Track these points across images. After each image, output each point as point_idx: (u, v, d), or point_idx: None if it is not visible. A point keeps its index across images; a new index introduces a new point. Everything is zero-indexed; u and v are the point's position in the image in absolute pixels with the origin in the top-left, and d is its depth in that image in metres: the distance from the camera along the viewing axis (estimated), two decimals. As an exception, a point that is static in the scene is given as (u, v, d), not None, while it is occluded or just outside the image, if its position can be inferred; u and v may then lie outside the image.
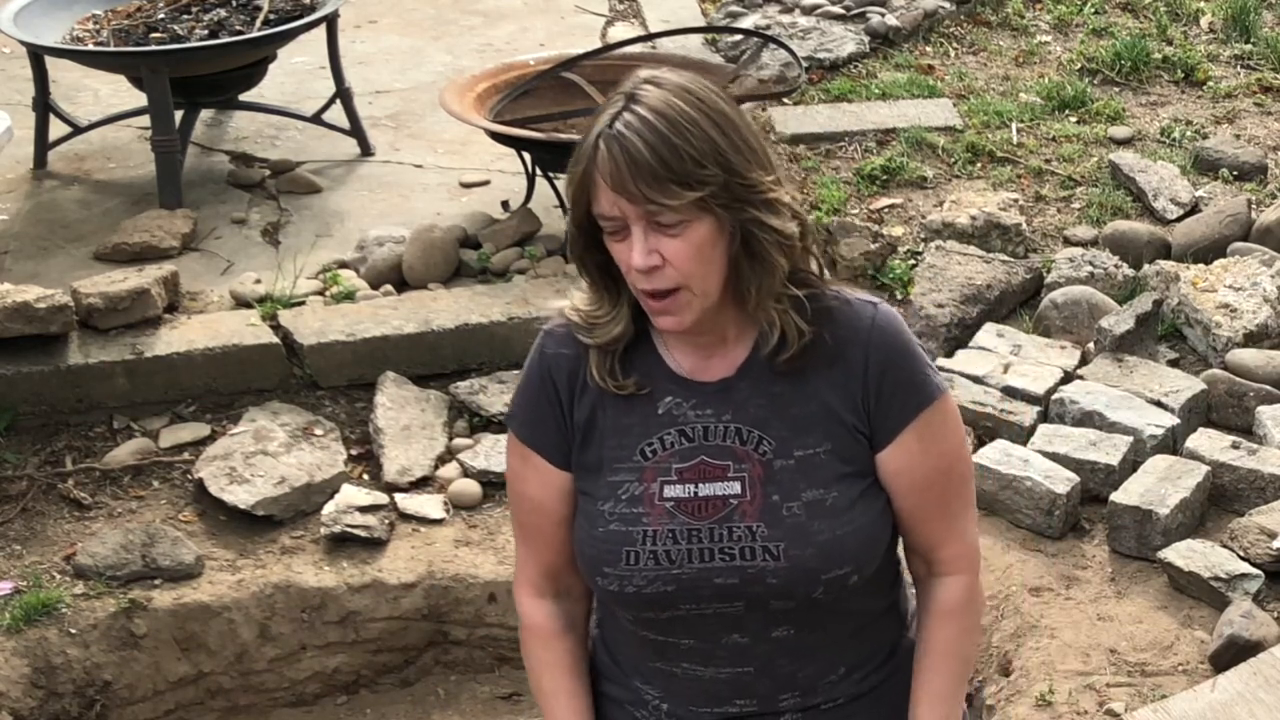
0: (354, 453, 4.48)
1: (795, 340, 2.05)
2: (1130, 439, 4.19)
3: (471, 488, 4.35)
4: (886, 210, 5.46)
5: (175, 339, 4.61)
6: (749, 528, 2.06)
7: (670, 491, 2.08)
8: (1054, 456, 4.13)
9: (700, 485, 2.08)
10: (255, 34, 5.53)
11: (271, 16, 5.70)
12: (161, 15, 5.78)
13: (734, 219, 2.00)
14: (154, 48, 5.49)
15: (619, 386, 2.10)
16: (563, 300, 2.17)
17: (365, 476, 4.42)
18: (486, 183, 5.61)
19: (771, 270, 2.02)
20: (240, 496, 4.25)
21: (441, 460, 4.45)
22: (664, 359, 2.12)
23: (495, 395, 4.58)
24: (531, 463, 2.17)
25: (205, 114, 5.95)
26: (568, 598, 2.24)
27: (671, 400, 2.10)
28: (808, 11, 6.83)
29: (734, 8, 6.94)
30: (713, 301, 2.03)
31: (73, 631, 3.97)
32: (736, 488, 2.07)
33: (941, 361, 4.56)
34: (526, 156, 5.17)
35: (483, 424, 4.56)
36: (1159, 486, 4.00)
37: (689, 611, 2.09)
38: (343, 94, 5.83)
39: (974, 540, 2.22)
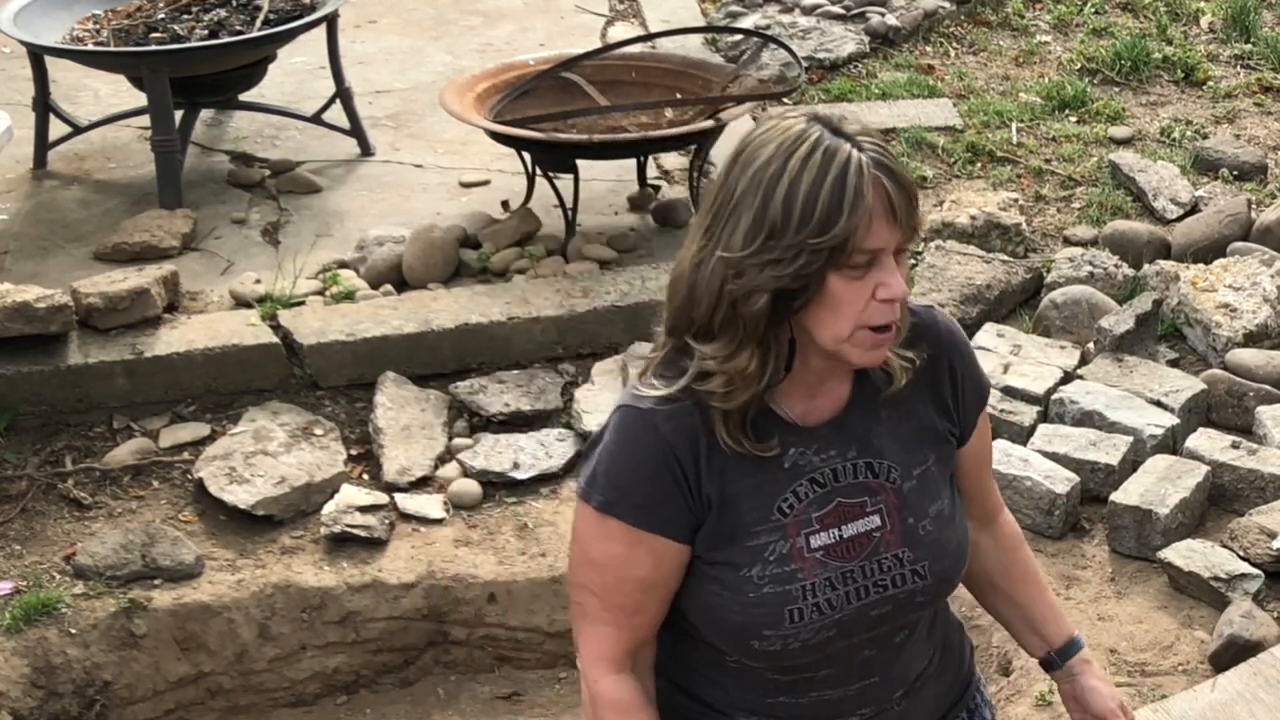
0: (354, 453, 4.48)
1: (901, 372, 2.07)
2: (1130, 439, 4.19)
3: (471, 488, 4.35)
4: (886, 210, 5.45)
5: (175, 339, 4.61)
6: (895, 556, 2.07)
7: (817, 541, 2.05)
8: (1054, 456, 4.13)
9: (844, 527, 2.06)
10: (255, 34, 5.54)
11: (271, 16, 5.70)
12: (161, 15, 5.78)
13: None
14: (154, 48, 5.49)
15: (761, 449, 2.01)
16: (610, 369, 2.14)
17: (365, 476, 4.42)
18: (486, 183, 5.61)
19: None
20: (240, 496, 4.25)
21: (441, 460, 4.45)
22: (775, 410, 2.04)
23: (495, 395, 4.58)
24: (647, 545, 2.02)
25: (205, 114, 5.95)
26: (641, 669, 2.13)
27: (795, 451, 2.04)
28: (808, 11, 6.84)
29: (734, 8, 6.94)
30: None
31: (73, 631, 3.97)
32: (876, 520, 2.07)
33: (941, 361, 4.56)
34: (526, 156, 5.17)
35: (482, 424, 4.56)
36: (1159, 486, 4.00)
37: (839, 647, 2.08)
38: (343, 94, 5.83)
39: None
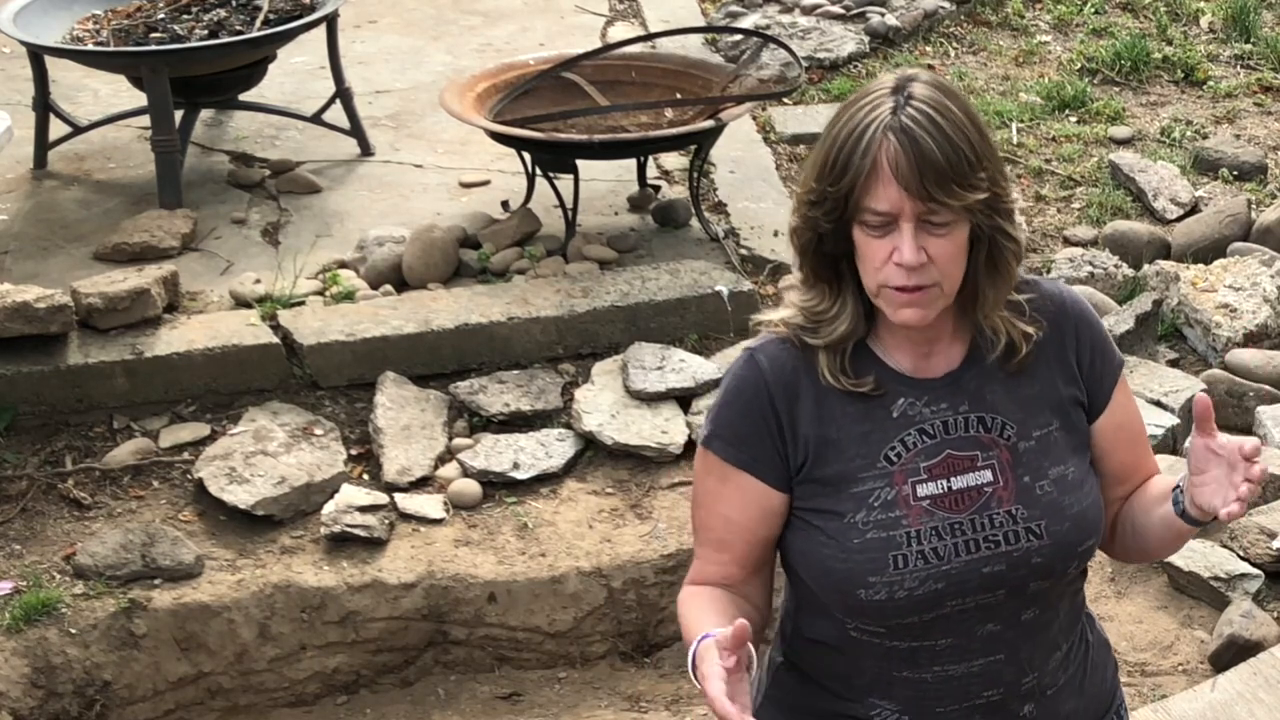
0: (354, 453, 4.48)
1: (1022, 344, 2.10)
2: (1130, 439, 4.18)
3: (471, 488, 4.35)
4: (886, 210, 5.45)
5: (175, 339, 4.61)
6: (1009, 512, 2.07)
7: (924, 490, 2.08)
8: (1054, 456, 4.13)
9: (953, 479, 2.08)
10: (255, 34, 5.53)
11: (271, 16, 5.70)
12: (161, 15, 5.77)
13: (987, 225, 2.02)
14: (154, 48, 5.48)
15: (855, 384, 2.08)
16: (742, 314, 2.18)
17: (365, 476, 4.42)
18: (486, 183, 5.60)
19: (1007, 279, 2.07)
20: (240, 496, 4.25)
21: (441, 460, 4.44)
22: (884, 360, 2.10)
23: (495, 395, 4.58)
24: (734, 482, 2.10)
25: (205, 114, 5.95)
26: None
27: (905, 401, 2.09)
28: (808, 11, 6.83)
29: (734, 8, 6.94)
30: (950, 302, 2.06)
31: (72, 631, 3.97)
32: (988, 475, 2.08)
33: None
34: (526, 156, 5.16)
35: (482, 424, 4.56)
36: (1159, 486, 3.99)
37: (953, 608, 2.08)
38: (343, 94, 5.83)
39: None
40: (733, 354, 4.65)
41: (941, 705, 2.14)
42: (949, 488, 2.08)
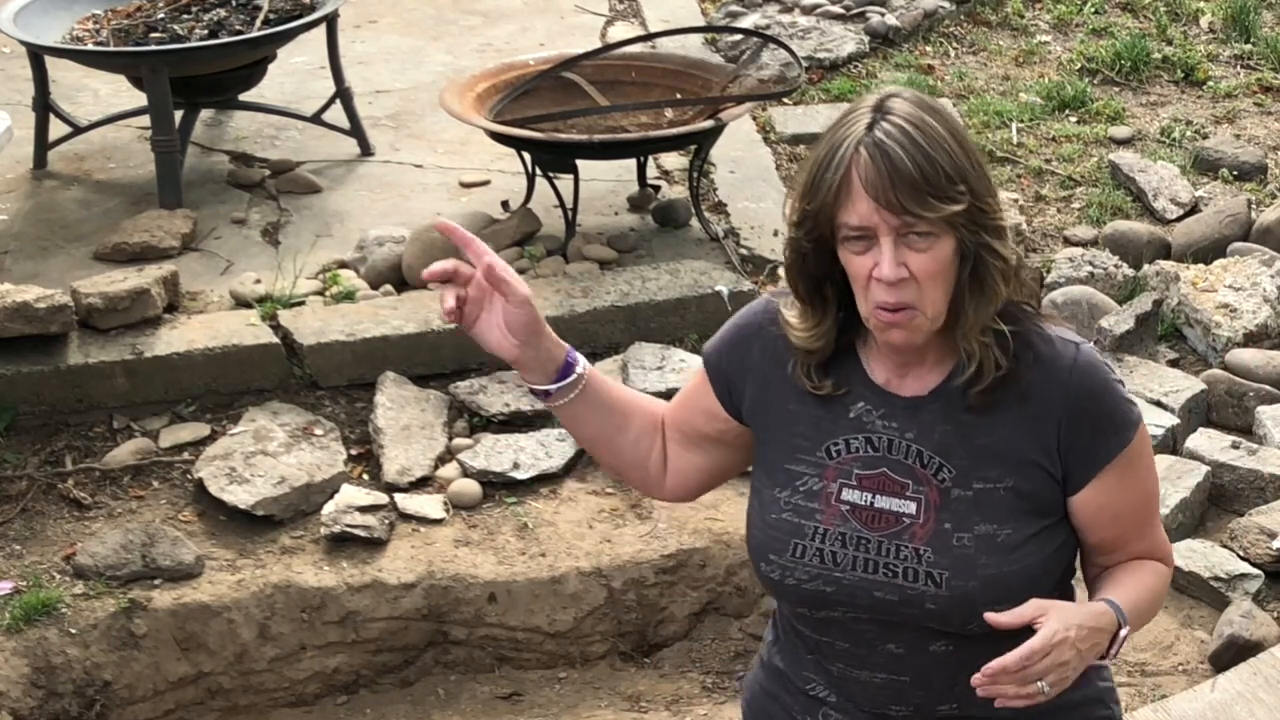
0: (354, 453, 4.48)
1: (990, 373, 2.05)
2: (1130, 439, 4.18)
3: (471, 488, 4.35)
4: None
5: (175, 339, 4.61)
6: (916, 550, 2.06)
7: (848, 495, 2.10)
8: (1054, 456, 4.13)
9: (877, 497, 2.09)
10: (255, 34, 5.53)
11: (271, 16, 5.70)
12: (161, 15, 5.78)
13: (972, 241, 2.00)
14: (154, 48, 5.49)
15: (815, 387, 2.13)
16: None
17: (365, 476, 4.42)
18: (486, 183, 5.61)
19: (992, 298, 2.03)
20: (240, 496, 4.25)
21: (441, 460, 4.44)
22: (862, 364, 2.13)
23: (495, 395, 4.58)
24: (701, 390, 2.26)
25: (205, 114, 5.95)
26: (641, 431, 2.32)
27: (863, 406, 2.11)
28: (808, 11, 6.83)
29: (734, 8, 6.94)
30: (939, 325, 2.04)
31: (73, 631, 3.97)
32: (912, 508, 2.08)
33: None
34: (526, 156, 5.16)
35: (482, 424, 4.56)
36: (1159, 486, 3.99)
37: (845, 615, 2.11)
38: (343, 94, 5.83)
39: (1165, 540, 2.22)
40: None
41: (854, 702, 2.18)
42: (872, 503, 2.09)
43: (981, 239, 2.00)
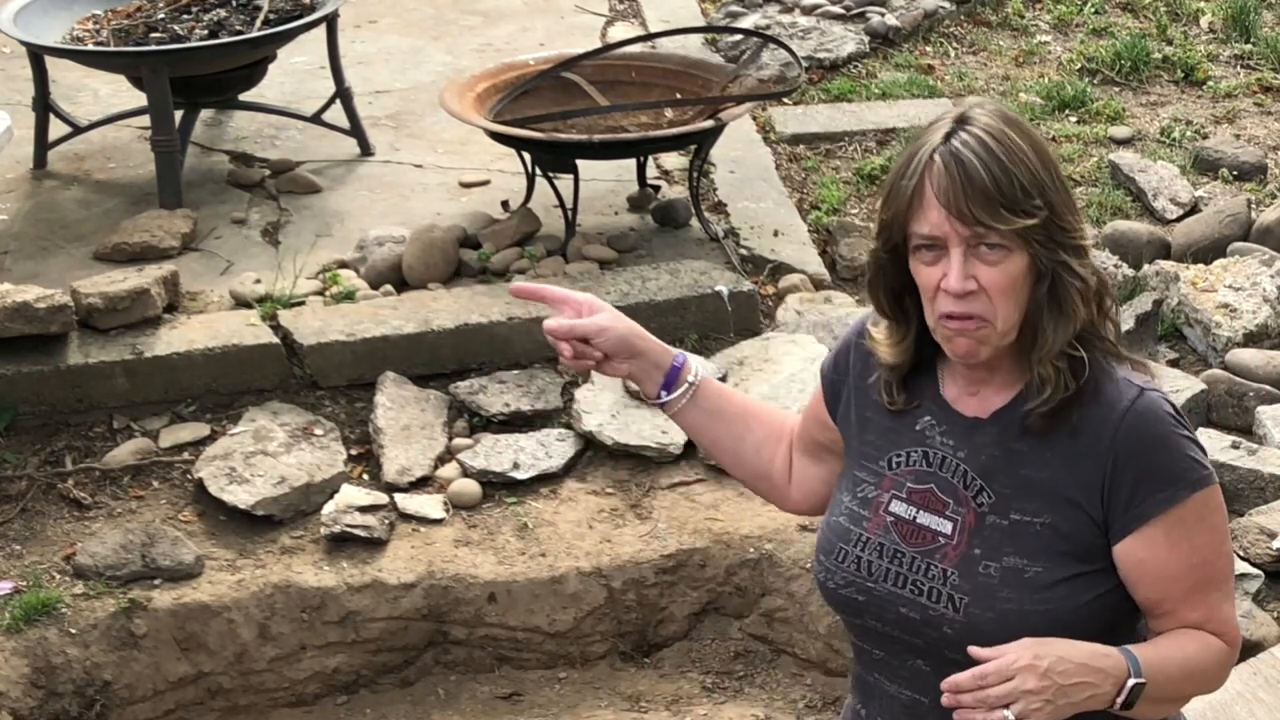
0: (354, 453, 4.47)
1: (1059, 397, 2.01)
2: (1130, 439, 4.18)
3: (471, 488, 4.35)
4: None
5: (175, 339, 4.61)
6: (944, 571, 2.05)
7: (895, 507, 2.12)
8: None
9: (921, 512, 2.10)
10: (255, 34, 5.53)
11: (271, 16, 5.70)
12: (161, 15, 5.78)
13: (1047, 259, 1.98)
14: (154, 48, 5.49)
15: (890, 403, 2.15)
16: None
17: (365, 476, 4.42)
18: (486, 183, 5.61)
19: (1070, 319, 2.00)
20: (240, 496, 4.25)
21: (441, 460, 4.44)
22: (937, 379, 2.14)
23: (495, 395, 4.58)
24: (816, 395, 2.31)
25: (205, 114, 5.95)
26: (771, 446, 2.38)
27: (929, 420, 2.13)
28: (808, 11, 6.84)
29: (734, 8, 6.94)
30: (1009, 341, 2.02)
31: (73, 631, 3.97)
32: (948, 528, 2.07)
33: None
34: (526, 156, 5.16)
35: (482, 424, 4.56)
36: (1159, 486, 3.99)
37: (875, 627, 2.12)
38: (343, 94, 5.83)
39: (1229, 618, 2.09)
40: (734, 354, 4.71)
41: (884, 717, 2.17)
42: (914, 518, 2.10)
43: (1059, 256, 1.98)
